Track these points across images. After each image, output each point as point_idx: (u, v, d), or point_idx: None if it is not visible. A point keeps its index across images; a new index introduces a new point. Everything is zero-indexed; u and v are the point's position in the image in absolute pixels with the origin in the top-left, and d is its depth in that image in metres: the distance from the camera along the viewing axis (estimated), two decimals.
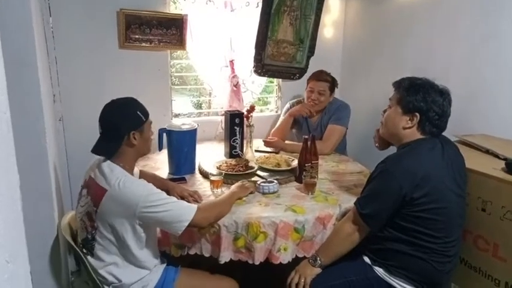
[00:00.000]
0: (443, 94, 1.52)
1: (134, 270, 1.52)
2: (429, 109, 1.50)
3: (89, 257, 1.51)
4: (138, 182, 1.48)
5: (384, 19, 2.84)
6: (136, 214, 1.41)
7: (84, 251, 1.52)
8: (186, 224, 1.45)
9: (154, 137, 1.68)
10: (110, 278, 1.49)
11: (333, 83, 2.61)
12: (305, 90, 2.67)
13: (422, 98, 1.50)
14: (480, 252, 1.59)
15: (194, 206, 1.50)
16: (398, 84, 1.61)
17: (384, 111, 1.66)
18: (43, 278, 1.74)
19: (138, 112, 1.52)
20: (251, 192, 1.83)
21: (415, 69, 2.45)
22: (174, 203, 1.47)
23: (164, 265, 1.62)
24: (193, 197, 1.77)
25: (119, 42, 2.54)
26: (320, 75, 2.60)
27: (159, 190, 1.48)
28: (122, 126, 1.49)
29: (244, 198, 1.78)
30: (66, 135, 2.51)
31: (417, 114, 1.52)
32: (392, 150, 1.68)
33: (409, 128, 1.55)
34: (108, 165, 1.49)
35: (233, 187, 1.78)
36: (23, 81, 1.55)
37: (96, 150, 1.50)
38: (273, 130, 2.80)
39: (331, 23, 3.18)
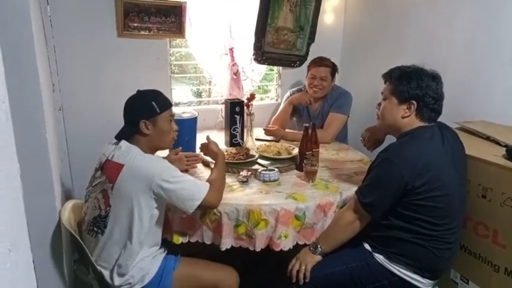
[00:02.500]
0: (435, 78, 1.53)
1: (135, 253, 1.51)
2: (425, 95, 1.50)
3: (99, 235, 1.52)
4: (154, 158, 1.55)
5: (385, 5, 2.81)
6: (152, 187, 1.45)
7: (95, 229, 1.53)
8: (197, 203, 1.50)
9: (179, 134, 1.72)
10: (112, 259, 1.51)
11: (333, 68, 2.60)
12: (305, 78, 2.65)
13: (416, 85, 1.51)
14: (480, 239, 1.60)
15: (206, 185, 1.54)
16: (388, 76, 1.61)
17: (379, 105, 1.66)
18: (45, 266, 1.75)
19: (153, 103, 1.55)
20: (245, 181, 1.85)
21: (415, 56, 2.44)
22: (188, 181, 1.53)
23: (164, 254, 1.63)
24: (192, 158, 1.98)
25: (118, 30, 2.52)
26: (321, 61, 2.58)
27: (174, 167, 1.53)
28: (134, 113, 1.55)
29: (243, 187, 1.79)
30: (66, 125, 2.51)
31: (414, 101, 1.52)
32: (389, 140, 1.68)
33: (408, 116, 1.54)
34: (125, 145, 1.54)
35: (219, 160, 1.74)
36: (22, 70, 1.54)
37: (117, 135, 1.58)
38: (273, 118, 2.79)
39: (331, 9, 3.15)
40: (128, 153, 1.50)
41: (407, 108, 1.54)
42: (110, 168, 1.51)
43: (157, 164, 1.50)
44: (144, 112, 1.54)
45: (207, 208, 1.59)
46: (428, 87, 1.50)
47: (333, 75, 2.60)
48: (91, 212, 1.57)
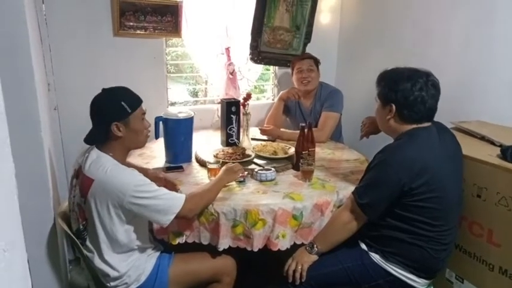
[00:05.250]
0: (411, 80, 1.49)
1: (125, 260, 1.51)
2: (400, 97, 1.50)
3: (83, 247, 1.50)
4: (127, 171, 1.44)
5: (381, 5, 2.82)
6: (124, 204, 1.39)
7: (79, 240, 1.51)
8: (172, 217, 1.44)
9: (152, 129, 1.63)
10: (103, 269, 1.49)
11: (316, 59, 2.66)
12: (292, 75, 2.69)
13: (389, 89, 1.53)
14: (475, 238, 1.60)
15: (182, 198, 1.47)
16: (377, 79, 1.63)
17: None
18: (40, 266, 1.75)
19: (123, 103, 1.45)
20: (242, 181, 1.81)
21: (411, 55, 2.45)
22: (163, 196, 1.44)
23: (158, 252, 1.63)
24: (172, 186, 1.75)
25: (114, 29, 2.51)
26: (303, 55, 2.68)
27: (148, 181, 1.45)
28: (104, 115, 1.46)
29: (240, 187, 1.78)
30: (61, 124, 2.50)
31: (392, 104, 1.53)
32: (385, 138, 1.68)
33: (391, 118, 1.55)
34: (95, 154, 1.46)
35: (221, 173, 1.70)
36: (17, 69, 1.53)
37: (86, 138, 1.49)
38: (267, 118, 2.80)
39: (327, 9, 3.15)
40: (99, 165, 1.42)
41: (389, 110, 1.55)
42: (81, 181, 1.44)
43: (130, 180, 1.40)
44: (115, 114, 1.45)
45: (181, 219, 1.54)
46: (403, 90, 1.49)
47: (317, 65, 2.65)
48: (73, 224, 1.55)
